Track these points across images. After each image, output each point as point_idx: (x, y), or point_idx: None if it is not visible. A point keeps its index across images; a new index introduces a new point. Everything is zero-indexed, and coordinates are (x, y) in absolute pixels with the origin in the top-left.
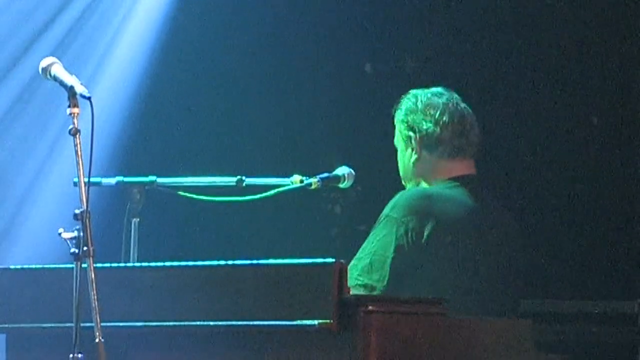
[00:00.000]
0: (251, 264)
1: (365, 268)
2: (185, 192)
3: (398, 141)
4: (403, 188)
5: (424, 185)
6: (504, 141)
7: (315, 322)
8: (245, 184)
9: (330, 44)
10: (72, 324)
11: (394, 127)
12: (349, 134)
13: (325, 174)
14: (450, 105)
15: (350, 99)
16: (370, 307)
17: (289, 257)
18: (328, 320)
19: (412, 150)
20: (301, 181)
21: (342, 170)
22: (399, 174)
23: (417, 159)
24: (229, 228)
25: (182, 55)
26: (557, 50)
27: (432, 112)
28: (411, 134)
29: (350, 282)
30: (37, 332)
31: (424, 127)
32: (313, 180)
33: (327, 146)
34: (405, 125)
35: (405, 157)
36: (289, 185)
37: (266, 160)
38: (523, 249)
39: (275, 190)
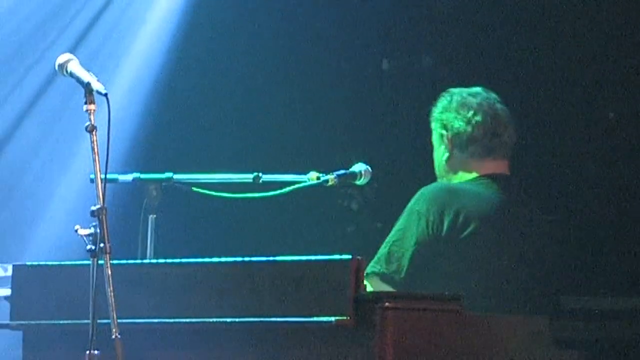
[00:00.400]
0: (268, 261)
1: (383, 257)
2: (201, 188)
3: (434, 138)
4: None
5: (455, 182)
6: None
7: (332, 318)
8: (262, 181)
9: (347, 41)
10: (89, 321)
11: (430, 124)
12: (365, 130)
13: (342, 171)
14: (484, 105)
15: (367, 96)
16: (387, 304)
17: (305, 253)
18: (345, 317)
19: (445, 147)
20: (318, 178)
21: (359, 167)
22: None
23: (448, 157)
24: (245, 224)
25: (199, 52)
26: (575, 46)
27: (464, 111)
28: (444, 132)
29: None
30: (54, 329)
31: (456, 125)
32: (330, 177)
33: (344, 143)
34: (440, 123)
35: (439, 155)
36: (305, 182)
37: (283, 156)
38: (553, 247)
39: (292, 187)
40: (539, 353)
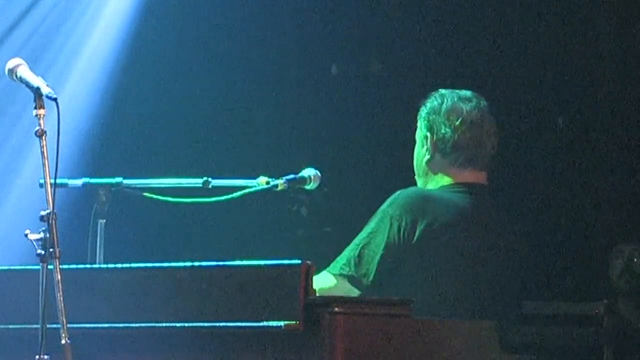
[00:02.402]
0: (217, 265)
1: (353, 259)
2: (151, 193)
3: (417, 136)
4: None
5: (431, 184)
6: None
7: (282, 323)
8: (212, 185)
9: (296, 45)
10: (39, 325)
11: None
12: (315, 135)
13: (292, 176)
14: (473, 114)
15: (317, 100)
16: (336, 309)
17: (255, 258)
18: (294, 322)
19: (427, 149)
20: (267, 182)
21: (308, 172)
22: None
23: (429, 160)
24: (195, 229)
25: (149, 55)
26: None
27: (453, 117)
28: (428, 134)
29: (334, 270)
30: (3, 333)
31: (442, 131)
32: (279, 181)
33: (293, 148)
34: (426, 123)
35: (420, 154)
36: (255, 186)
37: (232, 161)
38: (519, 256)
39: (242, 192)
40: (488, 357)
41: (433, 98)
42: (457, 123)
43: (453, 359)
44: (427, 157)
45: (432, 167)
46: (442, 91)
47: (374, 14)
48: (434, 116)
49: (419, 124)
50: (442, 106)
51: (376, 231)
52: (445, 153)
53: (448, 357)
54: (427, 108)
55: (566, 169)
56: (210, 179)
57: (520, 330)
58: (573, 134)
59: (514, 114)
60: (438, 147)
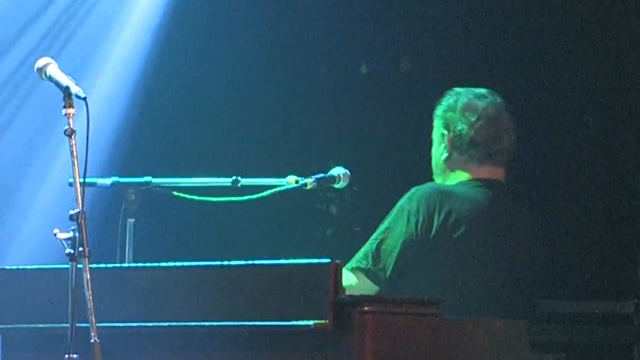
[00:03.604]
0: (246, 265)
1: (371, 253)
2: (180, 192)
3: (434, 135)
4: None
5: (450, 181)
6: None
7: (311, 322)
8: (241, 184)
9: (326, 44)
10: (68, 325)
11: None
12: (344, 134)
13: (321, 175)
14: (489, 110)
15: (346, 100)
16: (365, 308)
17: (284, 257)
18: (324, 321)
19: (445, 147)
20: (296, 181)
21: (338, 171)
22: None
23: (447, 158)
24: (224, 228)
25: (178, 55)
26: (557, 51)
27: (469, 114)
28: (445, 132)
29: (351, 265)
30: (33, 332)
31: (459, 127)
32: (308, 180)
33: (322, 146)
34: (442, 121)
35: (437, 153)
36: (284, 185)
37: (262, 160)
38: (538, 253)
39: (271, 191)
40: (516, 357)
41: (448, 96)
42: (473, 119)
43: (482, 358)
44: (445, 155)
45: (450, 164)
46: (457, 89)
47: (404, 12)
48: (450, 114)
49: (435, 123)
50: (457, 103)
51: (394, 226)
52: (462, 150)
53: (477, 356)
54: (443, 106)
55: (597, 167)
56: (239, 178)
57: (549, 330)
58: (603, 132)
59: (543, 113)
60: (455, 144)
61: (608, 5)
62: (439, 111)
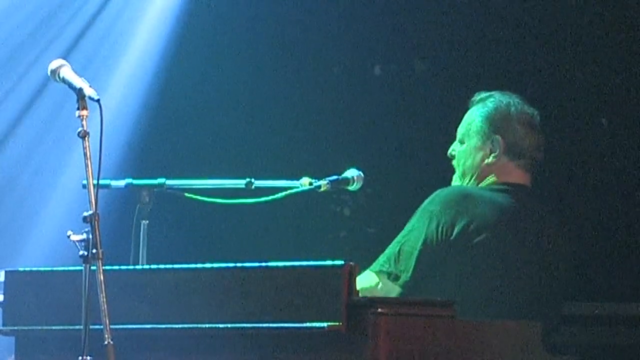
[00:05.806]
0: (260, 266)
1: (393, 256)
2: (194, 194)
3: (468, 135)
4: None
5: (479, 184)
6: None
7: (325, 324)
8: (255, 186)
9: (340, 46)
10: (81, 326)
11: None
12: (358, 136)
13: (334, 177)
14: (537, 118)
15: (360, 101)
16: (379, 309)
17: (298, 259)
18: (337, 322)
19: (491, 151)
20: (310, 183)
21: (351, 173)
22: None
23: (494, 162)
24: (238, 230)
25: (192, 57)
26: (572, 52)
27: (525, 122)
28: (498, 136)
29: (374, 268)
30: (46, 334)
31: (517, 134)
32: (322, 182)
33: (336, 149)
34: (490, 124)
35: (477, 155)
36: (298, 187)
37: (275, 162)
38: (564, 258)
39: (285, 193)
40: (531, 358)
41: (495, 100)
42: (529, 128)
43: (496, 359)
44: (492, 159)
45: (493, 168)
46: (498, 95)
47: (418, 14)
48: (502, 118)
49: (475, 123)
50: (510, 109)
51: (416, 228)
52: (515, 156)
53: (491, 358)
54: (492, 109)
55: (613, 169)
56: (253, 180)
57: (564, 331)
58: (618, 134)
59: (559, 115)
60: (510, 150)
61: (623, 7)
62: (483, 113)
